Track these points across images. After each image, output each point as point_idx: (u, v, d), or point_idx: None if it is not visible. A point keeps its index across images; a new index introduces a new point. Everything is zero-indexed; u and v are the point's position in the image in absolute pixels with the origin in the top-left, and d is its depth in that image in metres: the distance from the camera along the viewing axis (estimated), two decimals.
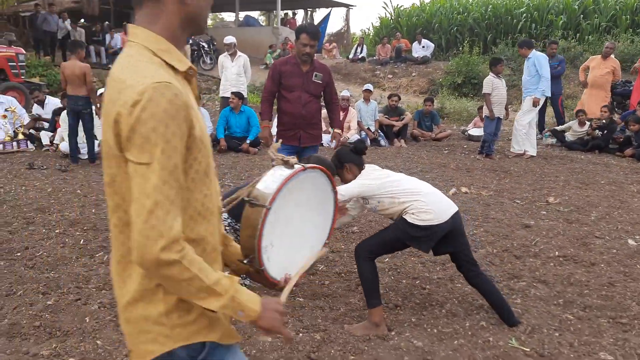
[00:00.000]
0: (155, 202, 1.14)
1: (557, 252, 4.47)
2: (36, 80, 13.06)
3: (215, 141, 8.84)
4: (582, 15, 18.08)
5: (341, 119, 9.65)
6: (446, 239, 3.15)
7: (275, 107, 5.03)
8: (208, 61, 18.84)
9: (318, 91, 4.77)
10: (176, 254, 1.15)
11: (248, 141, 8.78)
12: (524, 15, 18.72)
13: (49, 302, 3.51)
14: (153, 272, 1.18)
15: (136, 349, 1.32)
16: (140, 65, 1.22)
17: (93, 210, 5.52)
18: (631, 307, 3.49)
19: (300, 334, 3.13)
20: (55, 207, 5.60)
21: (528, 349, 2.98)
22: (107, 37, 17.72)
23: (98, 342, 3.04)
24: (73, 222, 5.13)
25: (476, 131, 10.35)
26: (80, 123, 7.64)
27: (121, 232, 1.28)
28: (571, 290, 3.77)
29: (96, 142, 7.88)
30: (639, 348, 3.00)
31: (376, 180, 3.15)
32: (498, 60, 8.65)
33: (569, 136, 10.01)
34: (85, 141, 7.83)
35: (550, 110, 11.10)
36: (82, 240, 4.68)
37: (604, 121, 9.51)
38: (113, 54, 16.62)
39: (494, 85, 8.36)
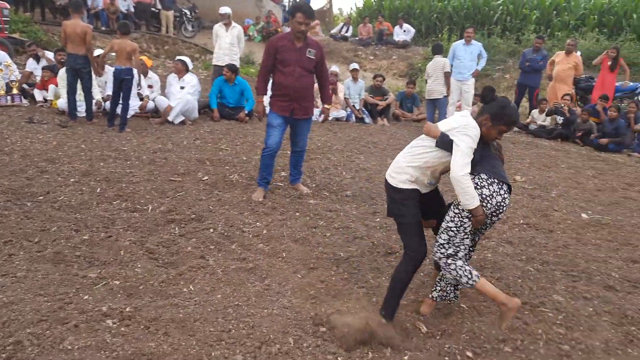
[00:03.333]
0: None
1: (521, 220, 5.16)
2: (17, 36, 12.96)
3: (209, 109, 9.23)
4: (554, 12, 18.90)
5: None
6: None
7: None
8: (190, 28, 18.95)
9: (311, 66, 5.09)
10: None
11: (246, 111, 9.16)
12: (500, 7, 19.43)
13: (84, 237, 3.97)
14: None
15: None
16: None
17: (101, 164, 5.91)
18: (580, 264, 4.21)
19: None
20: (64, 159, 5.96)
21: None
22: None
23: (137, 270, 3.56)
24: (85, 173, 5.52)
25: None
26: (79, 82, 7.93)
27: None
28: (532, 250, 4.46)
29: (93, 101, 8.20)
30: (585, 293, 3.70)
31: None
32: (441, 47, 9.98)
33: (532, 125, 10.85)
34: (83, 99, 8.11)
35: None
36: (98, 189, 5.11)
37: (562, 105, 10.37)
38: (95, 15, 16.56)
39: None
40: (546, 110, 10.79)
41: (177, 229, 4.35)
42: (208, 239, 4.18)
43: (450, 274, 3.00)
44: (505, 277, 3.88)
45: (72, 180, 5.29)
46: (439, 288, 3.28)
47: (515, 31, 18.48)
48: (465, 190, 2.83)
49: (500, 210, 2.96)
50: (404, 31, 18.60)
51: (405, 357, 2.82)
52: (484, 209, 2.89)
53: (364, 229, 4.67)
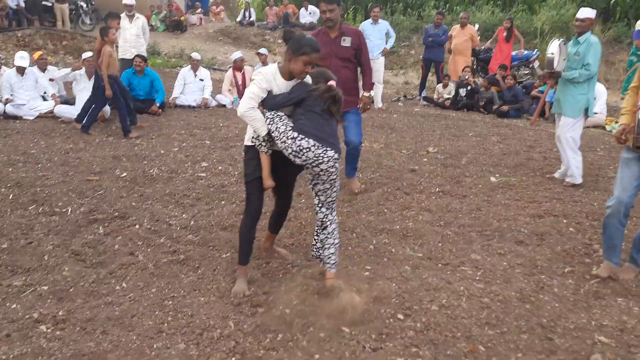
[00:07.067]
0: None
1: (437, 189, 5.48)
2: None
3: None
4: None
5: (239, 80, 10.16)
6: None
7: None
8: (88, 21, 18.04)
9: (348, 54, 4.94)
10: None
11: (158, 103, 8.94)
12: None
13: (3, 246, 3.80)
14: None
15: None
16: None
17: (10, 169, 5.60)
18: (493, 223, 4.56)
19: None
20: None
21: (420, 254, 3.89)
22: None
23: (64, 273, 3.46)
24: None
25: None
26: None
27: None
28: (449, 215, 4.76)
29: None
30: (499, 249, 4.03)
31: None
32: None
33: (440, 98, 11.41)
34: None
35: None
36: (10, 195, 4.87)
37: (467, 77, 10.97)
38: None
39: None
40: (450, 86, 11.37)
41: (100, 228, 4.25)
42: (135, 235, 4.12)
43: None
44: (427, 242, 4.14)
45: None
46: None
47: (417, 8, 19.09)
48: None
49: (318, 163, 3.12)
50: (310, 13, 18.70)
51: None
52: (299, 158, 3.12)
53: (290, 210, 4.75)
